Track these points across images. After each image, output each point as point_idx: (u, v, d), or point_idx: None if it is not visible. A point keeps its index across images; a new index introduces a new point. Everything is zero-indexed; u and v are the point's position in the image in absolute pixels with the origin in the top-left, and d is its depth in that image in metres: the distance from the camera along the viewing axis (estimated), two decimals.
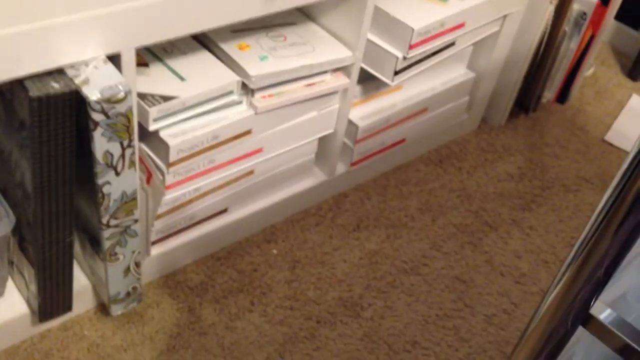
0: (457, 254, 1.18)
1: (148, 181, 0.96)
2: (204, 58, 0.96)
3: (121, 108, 0.75)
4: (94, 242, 0.90)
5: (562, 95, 1.56)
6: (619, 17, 1.77)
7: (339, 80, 1.06)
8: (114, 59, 0.77)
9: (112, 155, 0.78)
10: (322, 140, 1.17)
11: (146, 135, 0.93)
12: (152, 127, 0.88)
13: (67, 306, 0.93)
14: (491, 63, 1.34)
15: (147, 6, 0.76)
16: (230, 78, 0.93)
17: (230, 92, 0.94)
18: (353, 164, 1.23)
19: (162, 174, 0.94)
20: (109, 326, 0.98)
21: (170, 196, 0.97)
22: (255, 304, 1.05)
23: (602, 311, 0.45)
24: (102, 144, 0.76)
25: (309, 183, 1.19)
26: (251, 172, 1.07)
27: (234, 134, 0.97)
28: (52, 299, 0.90)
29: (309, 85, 1.03)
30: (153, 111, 0.86)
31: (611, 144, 1.48)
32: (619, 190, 0.41)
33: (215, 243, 1.10)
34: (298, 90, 1.01)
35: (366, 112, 1.19)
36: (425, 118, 1.30)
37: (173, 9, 0.78)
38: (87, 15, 0.72)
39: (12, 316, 0.92)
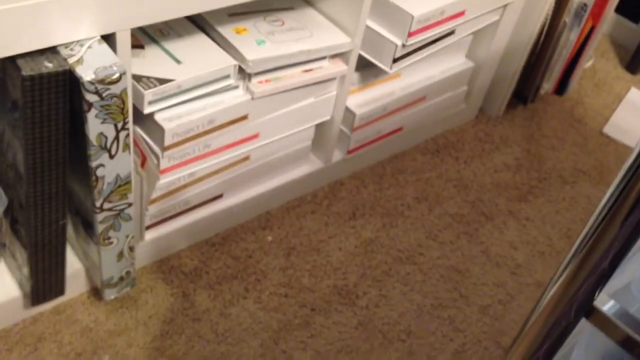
0: (453, 243, 1.18)
1: (142, 165, 0.94)
2: (201, 41, 0.94)
3: (116, 89, 0.74)
4: (87, 226, 0.89)
5: (561, 87, 1.55)
6: (619, 9, 1.76)
7: (337, 67, 1.05)
8: (109, 40, 0.76)
9: (106, 137, 0.77)
10: (319, 127, 1.15)
11: (141, 118, 0.92)
12: (147, 110, 0.86)
13: (59, 290, 0.92)
14: (490, 53, 1.33)
15: None
16: (227, 62, 0.92)
17: (227, 76, 0.93)
18: (350, 152, 1.22)
19: (157, 157, 0.93)
20: (102, 310, 0.97)
21: (164, 180, 0.96)
22: (250, 291, 1.04)
23: (606, 303, 0.44)
24: (95, 126, 0.75)
25: (305, 170, 1.18)
26: (247, 158, 1.06)
27: (229, 119, 0.96)
28: (44, 282, 0.89)
29: (307, 71, 1.02)
30: (148, 94, 0.85)
31: (609, 137, 1.47)
32: (626, 182, 0.40)
33: (210, 229, 1.09)
34: (295, 76, 1.00)
35: (364, 99, 1.18)
36: (423, 107, 1.29)
37: None
38: None
39: (3, 299, 0.91)
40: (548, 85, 1.53)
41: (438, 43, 1.16)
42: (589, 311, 0.45)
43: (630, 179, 0.39)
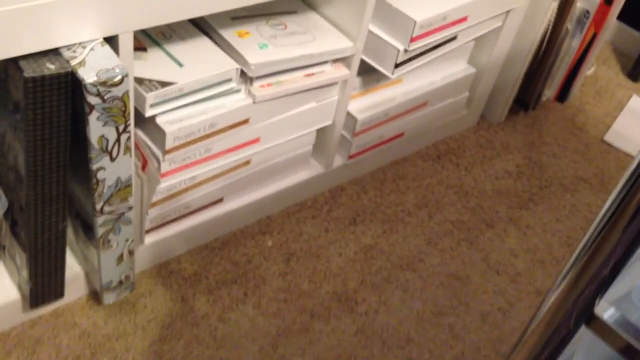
0: (453, 250, 1.17)
1: (143, 168, 0.94)
2: (203, 44, 0.94)
3: (117, 92, 0.73)
4: (87, 229, 0.89)
5: (562, 94, 1.55)
6: (621, 17, 1.76)
7: (339, 71, 1.05)
8: (111, 42, 0.76)
9: (107, 140, 0.77)
10: (320, 132, 1.15)
11: (142, 121, 0.92)
12: (148, 112, 0.86)
13: (58, 293, 0.92)
14: (492, 59, 1.33)
15: None
16: (229, 65, 0.92)
17: (229, 80, 0.93)
18: (350, 157, 1.22)
19: (158, 161, 0.92)
20: (100, 314, 0.97)
21: (165, 184, 0.96)
22: (249, 296, 1.03)
23: (606, 311, 0.44)
24: (97, 128, 0.75)
25: (306, 175, 1.18)
26: (248, 162, 1.06)
27: (231, 123, 0.96)
28: (43, 285, 0.89)
29: (309, 75, 1.02)
30: (150, 97, 0.85)
31: (610, 145, 1.47)
32: (628, 189, 0.40)
33: (210, 233, 1.09)
34: (297, 80, 1.00)
35: (365, 104, 1.18)
36: (424, 113, 1.29)
37: None
38: None
39: (2, 302, 0.90)
40: (550, 92, 1.53)
41: (440, 48, 1.16)
42: (589, 318, 0.44)
43: (632, 186, 0.39)
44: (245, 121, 0.98)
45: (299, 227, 1.15)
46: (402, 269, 1.13)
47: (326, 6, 1.05)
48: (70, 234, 0.96)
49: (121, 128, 0.77)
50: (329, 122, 1.13)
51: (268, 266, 1.08)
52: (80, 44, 0.73)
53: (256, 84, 0.96)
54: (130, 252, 0.92)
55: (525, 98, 1.48)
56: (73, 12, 0.70)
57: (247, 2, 0.85)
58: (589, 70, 1.64)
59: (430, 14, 1.06)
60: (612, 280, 0.42)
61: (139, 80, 0.86)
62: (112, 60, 0.73)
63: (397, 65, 1.09)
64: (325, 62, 1.03)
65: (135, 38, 0.91)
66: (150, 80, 0.86)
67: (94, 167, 0.78)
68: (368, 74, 1.16)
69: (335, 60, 1.05)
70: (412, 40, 1.06)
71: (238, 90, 0.96)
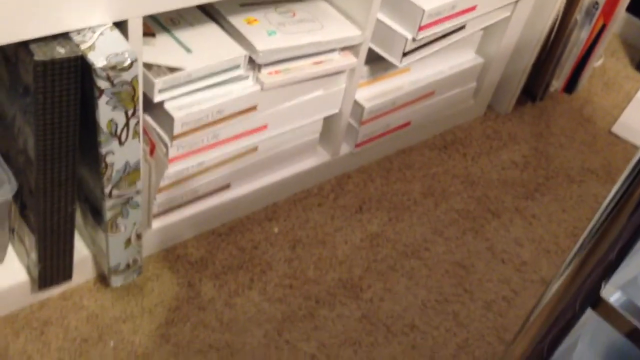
0: (459, 239, 1.18)
1: (151, 153, 0.95)
2: (212, 31, 0.95)
3: (127, 76, 0.74)
4: (95, 213, 0.90)
5: (570, 85, 1.55)
6: (630, 9, 1.75)
7: (347, 60, 1.05)
8: (121, 27, 0.76)
9: (116, 124, 0.77)
10: (327, 120, 1.16)
11: (150, 106, 0.92)
12: (157, 98, 0.87)
13: (67, 274, 0.93)
14: (500, 49, 1.32)
15: None
16: (237, 52, 0.92)
17: (237, 67, 0.93)
18: (357, 145, 1.22)
19: (166, 146, 0.93)
20: (108, 297, 0.98)
21: (173, 169, 0.97)
22: (255, 282, 1.04)
23: (612, 294, 0.44)
24: (106, 113, 0.75)
25: (313, 162, 1.19)
26: (255, 149, 1.07)
27: (239, 109, 0.97)
28: (52, 267, 0.90)
29: (317, 63, 1.02)
30: (159, 82, 0.85)
31: (617, 136, 1.47)
32: (636, 173, 0.40)
33: (217, 219, 1.10)
34: (305, 68, 1.00)
35: (373, 93, 1.18)
36: (431, 102, 1.29)
37: None
38: None
39: (11, 284, 0.91)
40: (557, 83, 1.53)
41: (448, 38, 1.16)
42: (596, 302, 0.45)
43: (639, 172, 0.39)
44: (253, 108, 0.99)
45: (305, 214, 1.16)
46: (408, 256, 1.13)
47: None
48: (78, 217, 0.97)
49: (130, 112, 0.77)
50: (336, 110, 1.13)
51: (274, 252, 1.09)
52: (90, 28, 0.74)
53: (264, 71, 0.97)
54: (138, 236, 0.93)
55: (533, 89, 1.48)
56: None
57: None
58: (597, 61, 1.64)
59: (439, 3, 1.05)
60: (619, 264, 0.43)
61: (148, 66, 0.86)
62: (122, 45, 0.74)
63: (405, 54, 1.09)
64: (333, 50, 1.03)
65: (144, 24, 0.92)
66: (159, 66, 0.87)
67: (103, 151, 0.79)
68: (376, 62, 1.16)
69: (343, 49, 1.05)
70: (421, 29, 1.06)
71: (246, 77, 0.96)
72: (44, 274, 0.90)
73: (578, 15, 1.37)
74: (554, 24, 1.36)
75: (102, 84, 0.73)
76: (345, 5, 1.04)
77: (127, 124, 0.78)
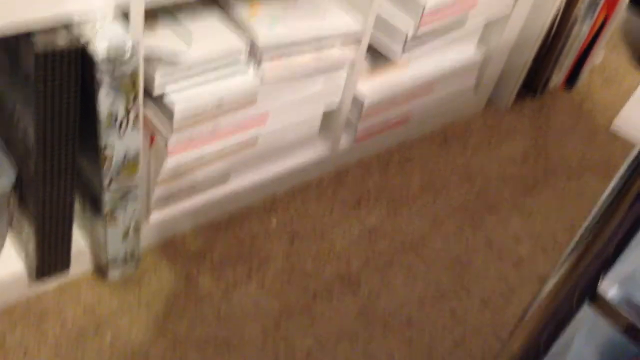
0: (457, 234, 1.18)
1: (151, 145, 0.95)
2: (213, 23, 0.94)
3: (127, 68, 0.74)
4: (94, 204, 0.90)
5: (571, 80, 1.55)
6: (631, 4, 1.75)
7: (347, 53, 1.04)
8: (123, 19, 0.76)
9: (116, 115, 0.77)
10: (327, 114, 1.15)
11: (150, 98, 0.92)
12: (157, 90, 0.87)
13: (65, 264, 0.93)
14: (501, 44, 1.32)
15: None
16: (237, 44, 0.92)
17: (238, 59, 0.93)
18: (357, 139, 1.22)
19: (165, 138, 0.93)
20: (105, 290, 0.98)
21: (172, 161, 0.96)
22: (253, 275, 1.04)
23: (610, 290, 0.44)
24: (106, 103, 0.75)
25: (312, 156, 1.19)
26: (254, 142, 1.06)
27: (238, 102, 0.96)
28: (50, 256, 0.90)
29: (317, 56, 1.02)
30: (159, 74, 0.85)
31: (617, 132, 1.47)
32: (635, 166, 0.40)
33: (215, 211, 1.10)
34: (305, 61, 1.00)
35: (373, 87, 1.18)
36: (431, 97, 1.29)
37: None
38: None
39: (9, 275, 0.91)
40: (558, 78, 1.53)
41: (449, 32, 1.16)
42: (593, 297, 0.45)
43: (638, 165, 0.39)
44: (253, 100, 0.98)
45: (304, 208, 1.16)
46: (406, 251, 1.13)
47: None
48: (77, 209, 0.97)
49: (130, 104, 0.77)
50: (335, 104, 1.13)
51: (272, 245, 1.09)
52: (91, 19, 0.74)
53: (264, 63, 0.96)
54: (136, 228, 0.93)
55: (533, 83, 1.48)
56: None
57: None
58: (598, 57, 1.64)
59: None
60: (616, 259, 0.43)
61: (148, 58, 0.86)
62: (123, 36, 0.73)
63: (405, 49, 1.09)
64: (334, 44, 1.03)
65: (146, 15, 0.91)
66: (159, 58, 0.86)
67: (102, 141, 0.79)
68: (376, 56, 1.16)
69: (344, 42, 1.05)
70: (421, 23, 1.06)
71: (246, 70, 0.96)
72: (42, 263, 0.90)
73: (579, 9, 1.36)
74: (555, 18, 1.35)
75: (103, 75, 0.73)
76: None
77: (127, 115, 0.78)
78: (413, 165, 1.29)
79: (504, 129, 1.42)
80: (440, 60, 1.27)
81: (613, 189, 0.41)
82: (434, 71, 1.25)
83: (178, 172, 0.99)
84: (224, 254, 1.06)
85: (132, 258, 0.97)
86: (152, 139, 0.94)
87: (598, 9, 1.39)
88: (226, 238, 1.08)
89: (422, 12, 1.04)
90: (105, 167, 0.81)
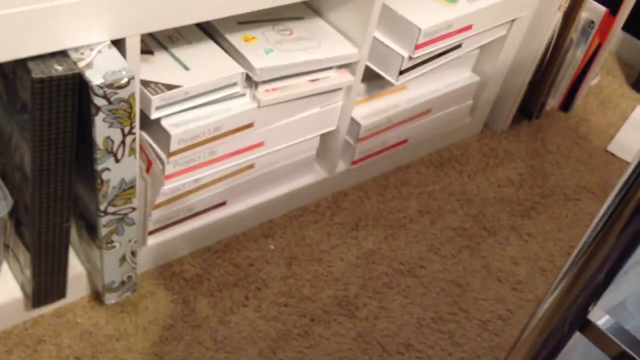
0: (455, 257, 1.18)
1: (148, 170, 0.95)
2: (209, 48, 0.95)
3: (124, 94, 0.74)
4: (90, 229, 0.90)
5: (566, 104, 1.56)
6: (626, 27, 1.76)
7: (344, 77, 1.05)
8: (119, 45, 0.77)
9: (112, 141, 0.77)
10: (324, 137, 1.16)
11: (148, 123, 0.92)
12: (154, 115, 0.87)
13: (61, 293, 0.93)
14: (497, 67, 1.33)
15: None
16: (234, 70, 0.93)
17: (234, 84, 0.94)
18: (354, 163, 1.22)
19: (162, 163, 0.93)
20: (102, 314, 0.98)
21: (169, 186, 0.97)
22: (250, 299, 1.04)
23: (600, 317, 0.44)
24: (103, 130, 0.76)
25: (309, 180, 1.19)
26: (251, 166, 1.07)
27: (235, 126, 0.97)
28: (46, 285, 0.90)
29: (313, 80, 1.02)
30: (156, 99, 0.86)
31: (613, 155, 1.47)
32: (623, 194, 0.40)
33: (213, 236, 1.10)
34: (302, 85, 1.01)
35: (369, 110, 1.19)
36: (428, 120, 1.30)
37: None
38: None
39: (5, 300, 0.91)
40: (554, 102, 1.54)
41: (445, 56, 1.17)
42: (584, 325, 0.45)
43: (627, 193, 0.40)
44: (250, 125, 0.99)
45: (301, 232, 1.16)
46: (403, 274, 1.13)
47: (332, 12, 1.06)
48: (73, 233, 0.97)
49: (126, 130, 0.78)
50: (332, 128, 1.13)
51: (270, 270, 1.09)
52: (88, 46, 0.74)
53: (261, 88, 0.97)
54: (133, 253, 0.93)
55: (529, 107, 1.49)
56: (81, 15, 0.71)
57: (254, 7, 0.86)
58: (593, 80, 1.65)
59: (435, 22, 1.06)
60: (606, 287, 0.43)
61: (145, 83, 0.86)
62: (119, 62, 0.74)
63: (401, 72, 1.09)
64: (330, 68, 1.04)
65: (143, 41, 0.92)
66: (156, 83, 0.87)
67: (99, 167, 0.79)
68: (373, 80, 1.17)
69: (340, 66, 1.06)
70: (417, 47, 1.07)
71: (243, 95, 0.97)
72: (38, 292, 0.90)
73: (574, 34, 1.38)
74: (550, 42, 1.37)
75: (99, 101, 0.73)
76: (342, 23, 1.05)
77: (123, 141, 0.79)
78: (410, 188, 1.29)
79: (501, 152, 1.42)
80: (436, 84, 1.28)
81: (601, 217, 0.41)
82: (430, 94, 1.26)
83: (175, 197, 1.00)
84: (221, 279, 1.06)
85: (128, 283, 0.97)
86: (149, 164, 0.94)
87: (592, 34, 1.40)
88: (223, 262, 1.08)
89: (418, 36, 1.05)
90: (101, 192, 0.81)
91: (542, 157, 1.43)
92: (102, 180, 0.80)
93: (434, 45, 1.10)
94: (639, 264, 0.50)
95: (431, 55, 1.13)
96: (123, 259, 0.92)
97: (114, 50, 0.75)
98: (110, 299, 0.97)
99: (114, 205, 0.84)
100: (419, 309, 1.08)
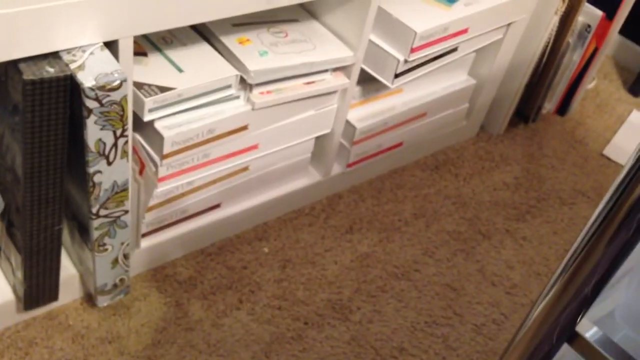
0: (449, 261, 1.17)
1: (141, 172, 0.95)
2: (204, 50, 0.95)
3: (116, 96, 0.74)
4: (83, 232, 0.89)
5: (563, 107, 1.55)
6: (623, 31, 1.76)
7: (339, 80, 1.05)
8: (112, 47, 0.76)
9: (104, 143, 0.77)
10: (319, 140, 1.16)
11: (141, 125, 0.92)
12: (147, 117, 0.87)
13: (53, 295, 0.92)
14: (493, 71, 1.33)
15: None
16: (228, 72, 0.92)
17: (228, 86, 0.93)
18: (349, 165, 1.22)
19: (155, 165, 0.93)
20: (94, 317, 0.97)
21: (162, 189, 0.96)
22: (244, 302, 1.04)
23: (588, 329, 0.44)
24: (94, 132, 0.75)
25: (304, 182, 1.18)
26: (246, 169, 1.06)
27: (229, 129, 0.97)
28: (38, 287, 0.89)
29: (308, 83, 1.02)
30: (149, 101, 0.85)
31: (609, 159, 1.47)
32: (612, 205, 0.40)
33: (206, 238, 1.09)
34: (297, 88, 1.00)
35: (364, 113, 1.18)
36: (423, 123, 1.29)
37: None
38: (86, 0, 0.71)
39: None
40: (550, 105, 1.53)
41: (440, 59, 1.17)
42: (572, 336, 0.44)
43: (614, 204, 0.39)
44: (244, 127, 0.99)
45: (296, 234, 1.16)
46: (398, 278, 1.13)
47: (328, 15, 1.06)
48: (65, 235, 0.96)
49: (119, 132, 0.77)
50: (327, 130, 1.13)
51: (263, 272, 1.08)
52: (80, 47, 0.74)
53: (255, 91, 0.97)
54: (126, 256, 0.93)
55: (526, 110, 1.49)
56: (74, 16, 0.71)
57: (249, 9, 0.86)
58: (589, 84, 1.64)
59: (431, 25, 1.06)
60: (594, 299, 0.42)
61: (139, 85, 0.86)
62: (112, 64, 0.74)
63: (397, 76, 1.09)
64: (326, 71, 1.04)
65: (136, 43, 0.92)
66: (149, 85, 0.87)
67: (91, 170, 0.79)
68: (368, 83, 1.17)
69: (335, 69, 1.05)
70: (413, 50, 1.06)
71: (237, 97, 0.96)
72: (30, 294, 0.89)
73: (570, 38, 1.37)
74: (546, 46, 1.36)
75: (91, 103, 0.73)
76: (338, 26, 1.05)
77: (115, 144, 0.78)
78: (405, 191, 1.29)
79: (497, 155, 1.42)
80: (432, 87, 1.28)
81: (589, 228, 0.41)
82: (426, 98, 1.26)
83: (168, 199, 0.99)
84: (215, 282, 1.05)
85: (121, 285, 0.96)
86: (142, 166, 0.94)
87: (589, 38, 1.40)
88: (217, 265, 1.08)
89: (414, 39, 1.05)
90: (93, 195, 0.81)
91: (538, 160, 1.43)
92: (94, 183, 0.80)
93: (429, 48, 1.10)
94: (628, 274, 0.50)
95: (427, 58, 1.13)
96: (115, 262, 0.92)
97: (107, 52, 0.75)
98: (103, 301, 0.97)
99: (106, 208, 0.84)
100: (413, 312, 1.08)
